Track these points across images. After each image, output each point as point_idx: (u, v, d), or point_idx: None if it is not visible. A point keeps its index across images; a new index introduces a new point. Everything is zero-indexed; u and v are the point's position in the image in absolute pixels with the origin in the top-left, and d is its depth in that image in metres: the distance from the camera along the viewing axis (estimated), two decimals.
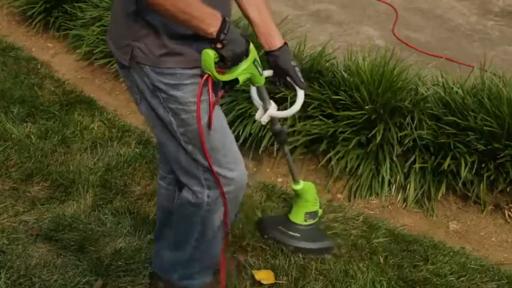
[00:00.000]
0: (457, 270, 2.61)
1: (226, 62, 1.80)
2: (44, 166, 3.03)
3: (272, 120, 2.36)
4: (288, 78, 2.21)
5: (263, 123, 2.32)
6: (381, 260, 2.65)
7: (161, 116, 1.92)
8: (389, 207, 3.11)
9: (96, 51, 4.07)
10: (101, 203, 2.87)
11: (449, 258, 2.70)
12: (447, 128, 3.03)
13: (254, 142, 3.32)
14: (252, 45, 1.89)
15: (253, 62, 1.91)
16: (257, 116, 2.30)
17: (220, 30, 1.76)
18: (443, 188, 3.03)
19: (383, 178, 3.10)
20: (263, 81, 2.04)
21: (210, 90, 1.84)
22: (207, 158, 1.92)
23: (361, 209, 3.08)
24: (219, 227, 2.13)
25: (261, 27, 2.18)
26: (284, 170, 3.30)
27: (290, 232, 2.66)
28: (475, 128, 2.97)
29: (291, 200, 2.85)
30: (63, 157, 3.17)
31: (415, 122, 3.10)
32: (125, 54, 1.87)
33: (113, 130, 3.47)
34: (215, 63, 1.79)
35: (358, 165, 3.14)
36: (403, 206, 3.11)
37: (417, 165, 3.06)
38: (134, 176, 3.09)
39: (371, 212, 3.07)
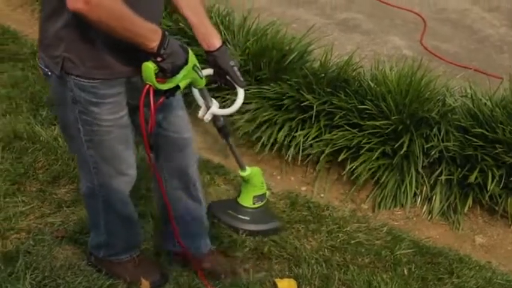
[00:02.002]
0: (483, 285, 2.58)
1: (166, 73, 1.92)
2: (71, 169, 3.05)
3: (215, 117, 2.47)
4: (228, 78, 2.28)
5: (206, 121, 2.42)
6: (405, 272, 2.62)
7: (71, 122, 2.08)
8: (414, 218, 3.08)
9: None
10: None
11: (474, 272, 2.66)
12: (475, 140, 2.99)
13: (279, 150, 3.32)
14: (191, 53, 1.99)
15: (193, 68, 2.00)
16: (200, 114, 2.41)
17: (161, 45, 1.87)
18: (469, 201, 3.00)
19: (408, 189, 3.07)
20: (204, 83, 2.13)
21: (152, 100, 1.94)
22: (155, 171, 2.14)
23: (385, 219, 3.06)
24: (126, 219, 2.32)
25: (199, 28, 2.25)
26: (309, 178, 3.29)
27: (240, 216, 2.77)
28: (503, 141, 2.93)
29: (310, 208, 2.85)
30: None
31: (442, 133, 3.07)
32: (56, 64, 1.96)
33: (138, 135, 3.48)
34: (156, 74, 1.90)
35: (383, 176, 3.12)
36: (428, 218, 3.07)
37: (443, 177, 3.03)
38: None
39: (395, 223, 3.05)
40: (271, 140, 3.29)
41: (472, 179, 2.93)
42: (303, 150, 3.25)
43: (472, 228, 3.04)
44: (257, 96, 3.39)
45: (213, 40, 2.25)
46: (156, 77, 1.91)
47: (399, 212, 3.10)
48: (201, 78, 2.08)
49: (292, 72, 3.44)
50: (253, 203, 2.81)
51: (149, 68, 1.89)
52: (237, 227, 2.76)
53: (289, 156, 3.28)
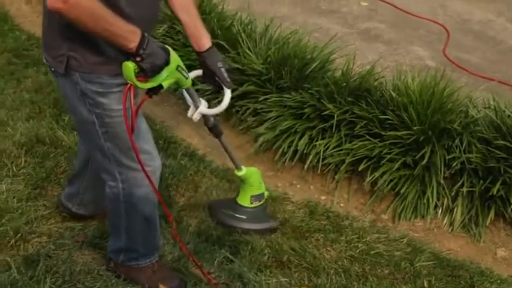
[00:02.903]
0: None
1: (146, 73, 1.97)
2: None
3: (204, 116, 2.51)
4: (216, 78, 2.36)
5: (195, 121, 2.46)
6: (425, 284, 2.60)
7: (85, 117, 2.12)
8: (435, 230, 3.05)
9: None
10: None
11: (496, 286, 2.63)
12: (497, 152, 2.96)
13: (299, 159, 3.31)
14: (174, 53, 2.06)
15: (177, 68, 2.07)
16: (189, 113, 2.46)
17: (140, 46, 1.92)
18: (491, 214, 2.96)
19: (429, 200, 3.05)
20: (189, 83, 2.20)
21: (132, 98, 2.00)
22: (138, 157, 2.06)
23: (405, 230, 3.03)
24: (148, 221, 2.33)
25: (190, 29, 2.34)
26: (328, 187, 3.28)
27: (237, 215, 2.81)
28: None
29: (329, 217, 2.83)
30: None
31: (464, 144, 3.04)
32: (60, 63, 2.03)
33: (160, 141, 3.50)
34: (136, 73, 1.96)
35: (404, 186, 3.09)
36: (449, 230, 3.04)
37: (465, 189, 3.00)
38: (178, 188, 3.12)
39: (415, 235, 3.02)
40: (292, 149, 3.29)
41: (494, 191, 2.90)
42: (323, 160, 3.24)
43: (493, 241, 3.00)
44: (278, 105, 3.39)
45: (203, 41, 2.33)
46: (137, 76, 1.97)
47: (419, 224, 3.07)
48: (186, 78, 2.15)
49: (313, 81, 3.43)
50: (251, 203, 2.85)
51: (129, 67, 1.95)
52: (234, 226, 2.81)
53: (309, 165, 3.27)
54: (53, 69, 2.10)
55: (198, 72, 2.41)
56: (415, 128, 3.06)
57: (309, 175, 3.36)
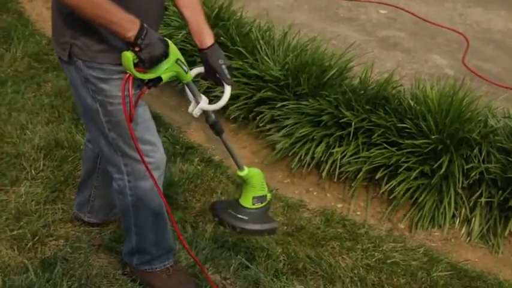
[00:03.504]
0: None
1: (144, 64, 1.99)
2: None
3: (205, 113, 2.50)
4: (217, 75, 2.37)
5: (195, 116, 2.45)
6: None
7: (89, 104, 2.15)
8: (452, 240, 3.03)
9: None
10: None
11: None
12: None
13: (316, 166, 3.31)
14: (173, 47, 2.08)
15: (176, 62, 2.10)
16: (190, 109, 2.46)
17: (138, 36, 1.94)
18: (510, 225, 2.93)
19: (447, 210, 3.02)
20: (189, 78, 2.24)
21: (130, 88, 2.01)
22: (136, 145, 2.08)
23: (422, 240, 3.01)
24: (156, 217, 2.33)
25: (194, 26, 2.34)
26: (345, 195, 3.27)
27: (239, 215, 2.77)
28: None
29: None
30: None
31: (482, 154, 3.01)
32: (64, 50, 2.08)
33: (177, 146, 3.52)
34: (135, 63, 1.98)
35: (421, 196, 3.07)
36: (467, 240, 3.01)
37: (483, 199, 2.97)
38: (195, 193, 3.13)
39: (433, 244, 2.99)
40: (309, 156, 3.28)
41: None
42: (339, 167, 3.23)
43: None
44: (295, 112, 3.39)
45: (205, 39, 2.34)
46: (136, 67, 1.99)
47: (437, 233, 3.05)
48: (186, 72, 2.18)
49: (331, 88, 3.43)
50: (253, 204, 2.80)
51: (127, 57, 1.97)
52: (235, 225, 2.78)
53: (326, 172, 3.26)
54: (59, 56, 2.15)
55: (200, 69, 2.44)
56: (433, 136, 3.04)
57: (326, 183, 3.35)
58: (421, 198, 3.05)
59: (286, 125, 3.38)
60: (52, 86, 4.02)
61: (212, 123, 2.57)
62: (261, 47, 3.71)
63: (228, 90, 2.41)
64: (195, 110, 2.43)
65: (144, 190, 2.26)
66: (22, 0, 5.35)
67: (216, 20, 4.00)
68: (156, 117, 3.78)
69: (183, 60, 2.14)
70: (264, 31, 3.93)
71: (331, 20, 5.02)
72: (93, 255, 2.61)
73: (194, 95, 2.43)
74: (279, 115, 3.45)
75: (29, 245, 2.62)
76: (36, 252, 2.59)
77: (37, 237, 2.65)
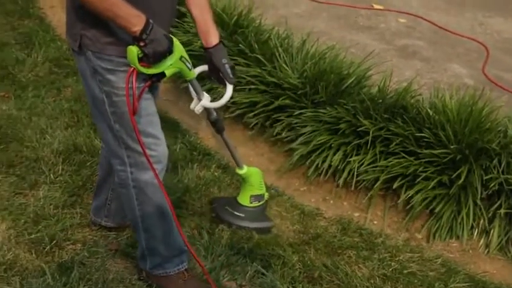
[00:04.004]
0: None
1: (148, 58, 2.05)
2: None
3: (207, 110, 2.58)
4: (220, 74, 2.44)
5: (197, 113, 2.55)
6: None
7: (97, 95, 2.21)
8: (470, 251, 3.00)
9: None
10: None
11: None
12: None
13: (333, 174, 3.30)
14: (178, 44, 2.15)
15: (180, 59, 2.16)
16: (192, 105, 2.53)
17: (143, 31, 2.01)
18: None
19: (465, 221, 2.99)
20: (193, 75, 2.32)
21: (134, 82, 2.08)
22: (138, 137, 2.15)
23: (439, 250, 2.98)
24: (162, 212, 2.34)
25: (201, 26, 2.40)
26: (362, 204, 3.25)
27: (236, 212, 2.90)
28: None
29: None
30: None
31: (502, 165, 2.98)
32: (75, 41, 2.15)
33: (194, 153, 3.53)
34: (140, 58, 2.05)
35: (439, 206, 3.05)
36: (485, 251, 2.98)
37: (502, 211, 2.94)
38: None
39: (450, 255, 2.97)
40: (326, 164, 3.27)
41: None
42: (357, 176, 3.21)
43: None
44: (313, 120, 3.38)
45: (211, 38, 2.40)
46: (140, 61, 2.05)
47: (455, 244, 3.02)
48: (190, 70, 2.24)
49: (349, 96, 3.42)
50: (250, 202, 2.93)
51: (132, 51, 2.04)
52: (231, 222, 2.90)
53: (342, 181, 3.25)
54: (71, 47, 2.21)
55: (204, 67, 2.50)
56: (451, 146, 3.02)
57: (343, 191, 3.33)
58: (438, 209, 3.02)
59: (304, 133, 3.37)
60: (72, 91, 4.06)
61: (213, 120, 2.65)
62: (279, 55, 3.72)
63: (229, 89, 2.48)
64: (197, 107, 2.52)
65: (145, 182, 2.29)
66: (44, 6, 5.42)
67: (235, 27, 4.02)
68: (173, 123, 3.82)
69: (187, 57, 2.21)
70: (283, 39, 3.94)
71: (350, 28, 5.01)
72: (110, 260, 2.62)
73: (197, 92, 2.50)
74: (296, 123, 3.45)
75: (46, 249, 2.63)
76: (53, 256, 2.61)
77: (55, 241, 2.67)
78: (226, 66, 2.42)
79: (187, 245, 2.37)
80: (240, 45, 3.82)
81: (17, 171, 3.17)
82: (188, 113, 4.09)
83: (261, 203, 2.96)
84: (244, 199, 2.95)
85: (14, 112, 3.69)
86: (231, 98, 2.52)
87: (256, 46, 3.80)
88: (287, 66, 3.64)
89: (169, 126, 3.78)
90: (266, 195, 3.00)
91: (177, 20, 4.16)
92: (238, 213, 2.92)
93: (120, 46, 2.09)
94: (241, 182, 2.98)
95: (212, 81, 2.56)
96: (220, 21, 4.05)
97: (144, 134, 2.20)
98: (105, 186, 2.69)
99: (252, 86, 3.66)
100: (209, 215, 2.98)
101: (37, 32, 4.84)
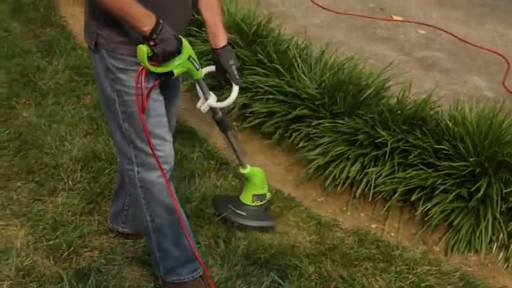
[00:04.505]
0: None
1: (158, 58, 2.12)
2: None
3: (213, 109, 2.65)
4: (227, 75, 2.50)
5: (203, 112, 2.61)
6: None
7: (108, 94, 2.27)
8: (489, 265, 2.96)
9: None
10: (194, 231, 2.92)
11: None
12: None
13: (350, 185, 3.28)
14: (187, 44, 2.21)
15: (188, 59, 2.23)
16: (198, 104, 2.60)
17: (153, 30, 2.07)
18: None
19: (483, 234, 2.96)
20: (200, 75, 2.38)
21: (143, 81, 2.15)
22: (147, 136, 2.22)
23: (457, 264, 2.95)
24: (170, 213, 2.36)
25: (211, 27, 2.47)
26: (379, 216, 3.23)
27: (238, 211, 2.97)
28: None
29: None
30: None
31: None
32: (91, 39, 2.22)
33: (211, 162, 3.54)
34: (150, 57, 2.11)
35: (457, 219, 3.02)
36: (505, 266, 2.94)
37: None
38: None
39: (469, 269, 2.93)
40: (343, 175, 3.26)
41: None
42: (374, 187, 3.20)
43: None
44: (331, 130, 3.38)
45: (219, 40, 2.47)
46: (150, 60, 2.12)
47: (473, 258, 2.99)
48: (197, 70, 2.31)
49: (367, 107, 3.41)
50: (253, 201, 2.99)
51: (142, 50, 2.10)
52: (233, 220, 2.96)
53: (360, 192, 3.23)
54: (88, 45, 2.27)
55: (211, 68, 2.57)
56: (471, 159, 3.00)
57: (360, 202, 3.32)
58: (457, 221, 2.99)
59: (322, 143, 3.37)
60: (91, 98, 4.10)
61: (219, 120, 2.73)
62: (298, 65, 3.72)
63: (235, 90, 2.54)
64: (203, 106, 2.59)
65: (151, 182, 2.33)
66: (65, 14, 5.48)
67: (254, 37, 4.03)
68: (191, 132, 3.84)
69: (195, 57, 2.27)
70: (302, 49, 3.94)
71: (369, 39, 5.00)
72: (127, 268, 2.63)
73: (204, 92, 2.57)
74: (314, 133, 3.44)
75: (64, 255, 2.65)
76: (71, 262, 2.63)
77: (72, 248, 2.69)
78: (233, 67, 2.48)
79: (190, 245, 2.39)
80: (259, 55, 3.83)
81: (36, 177, 3.20)
82: (206, 121, 4.11)
83: (263, 202, 3.03)
84: (246, 198, 3.01)
85: (34, 119, 3.74)
86: (237, 98, 2.59)
87: (275, 56, 3.81)
88: (305, 76, 3.64)
89: (187, 135, 3.80)
90: (268, 195, 3.06)
91: (196, 29, 4.19)
92: (240, 212, 2.98)
93: (132, 46, 2.15)
94: (244, 181, 3.05)
95: (220, 80, 2.63)
96: (239, 30, 4.07)
97: (152, 134, 2.25)
98: (123, 192, 2.71)
99: (271, 96, 3.67)
100: (226, 224, 2.98)
101: (58, 40, 4.90)
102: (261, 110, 3.67)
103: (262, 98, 3.69)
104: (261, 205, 3.02)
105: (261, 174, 3.01)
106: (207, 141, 3.78)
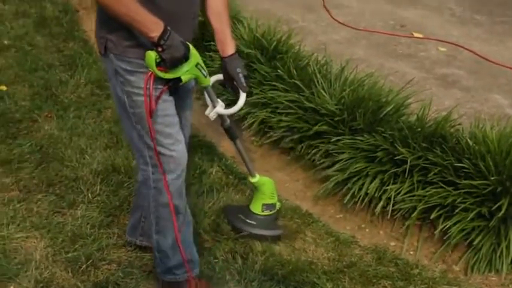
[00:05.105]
0: None
1: (165, 63, 2.17)
2: None
3: (221, 117, 2.70)
4: (234, 82, 2.53)
5: (211, 119, 2.66)
6: None
7: (119, 95, 2.32)
8: (510, 286, 2.92)
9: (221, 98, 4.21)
10: (211, 246, 2.92)
11: None
12: None
13: (369, 202, 3.26)
14: (195, 51, 2.26)
15: (196, 66, 2.28)
16: (206, 111, 2.65)
17: (161, 37, 2.12)
18: None
19: (504, 254, 2.92)
20: (208, 82, 2.43)
21: (151, 85, 2.20)
22: (151, 136, 2.27)
23: (478, 284, 2.91)
24: (176, 204, 2.40)
25: (219, 35, 2.51)
26: (398, 233, 3.20)
27: (247, 220, 3.01)
28: None
29: None
30: None
31: None
32: (101, 44, 2.29)
33: (230, 176, 3.55)
34: (158, 63, 2.17)
35: (478, 238, 2.98)
36: None
37: None
38: None
39: None
40: (362, 192, 3.24)
41: None
42: (393, 205, 3.17)
43: None
44: (350, 147, 3.36)
45: (227, 48, 2.51)
46: (158, 66, 2.17)
47: (494, 278, 2.95)
48: (205, 77, 2.36)
49: (387, 124, 3.40)
50: (262, 211, 3.03)
51: (150, 56, 2.16)
52: (243, 229, 2.99)
53: (379, 209, 3.21)
54: (99, 50, 2.34)
55: (219, 75, 2.61)
56: (492, 178, 2.96)
57: (378, 219, 3.29)
58: (477, 241, 2.96)
59: (340, 160, 3.36)
60: (112, 112, 4.13)
61: (227, 127, 2.79)
62: (317, 81, 3.73)
63: (243, 97, 2.57)
64: (211, 113, 2.63)
65: (163, 183, 2.37)
66: (88, 29, 5.55)
67: (274, 53, 4.04)
68: (209, 146, 3.85)
69: (203, 65, 2.32)
70: (321, 65, 3.95)
71: (389, 56, 4.99)
72: (144, 281, 2.64)
73: (211, 99, 2.61)
74: (333, 149, 3.43)
75: (82, 268, 2.67)
76: (89, 275, 2.64)
77: (91, 261, 2.70)
78: (240, 75, 2.52)
79: (181, 251, 2.45)
80: (279, 70, 3.84)
81: (56, 190, 3.23)
82: (225, 136, 4.12)
83: (272, 212, 3.06)
84: (256, 207, 3.04)
85: (55, 132, 3.78)
86: (244, 105, 2.62)
87: (294, 72, 3.82)
88: (325, 92, 3.64)
89: (206, 149, 3.82)
90: (278, 205, 3.09)
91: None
92: (249, 221, 3.01)
93: (139, 49, 2.21)
94: (253, 190, 3.08)
95: (227, 88, 2.67)
96: (259, 46, 4.09)
97: (163, 134, 2.30)
98: (141, 204, 2.73)
99: (290, 111, 3.67)
100: (243, 239, 2.98)
101: (81, 54, 4.96)
102: (280, 125, 3.67)
103: (282, 113, 3.70)
104: (270, 214, 3.06)
105: (270, 183, 3.05)
106: (225, 156, 3.79)
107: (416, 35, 5.45)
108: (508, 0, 6.49)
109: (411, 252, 3.12)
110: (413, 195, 3.12)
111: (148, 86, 2.20)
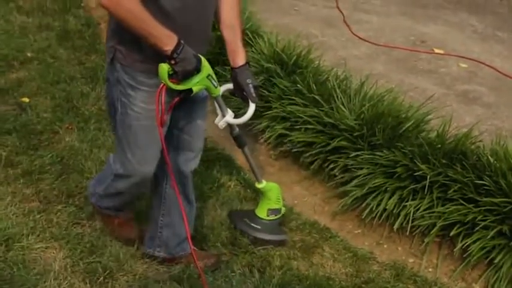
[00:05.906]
0: None
1: (178, 76, 2.23)
2: None
3: (230, 126, 2.76)
4: (244, 93, 2.57)
5: (221, 128, 2.72)
6: None
7: (113, 102, 2.47)
8: None
9: (238, 112, 4.22)
10: (229, 259, 2.91)
11: None
12: None
13: (387, 218, 3.24)
14: (206, 63, 2.33)
15: (207, 77, 2.35)
16: (216, 120, 2.70)
17: (175, 50, 2.18)
18: None
19: None
20: (218, 92, 2.49)
21: (163, 97, 2.28)
22: (162, 146, 2.38)
23: None
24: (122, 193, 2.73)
25: (231, 46, 2.55)
26: (417, 250, 3.17)
27: (253, 224, 3.06)
28: None
29: None
30: (198, 211, 3.27)
31: None
32: (110, 53, 2.38)
33: (248, 190, 3.54)
34: (170, 75, 2.23)
35: (498, 256, 2.94)
36: None
37: None
38: None
39: None
40: (381, 208, 3.22)
41: None
42: (412, 221, 3.15)
43: None
44: (369, 162, 3.35)
45: (238, 59, 2.55)
46: (170, 78, 2.23)
47: None
48: (216, 87, 2.43)
49: (407, 140, 3.38)
50: (267, 215, 3.08)
51: (163, 68, 2.22)
52: (248, 233, 3.05)
53: (397, 225, 3.19)
54: (106, 58, 2.43)
55: (229, 85, 2.65)
56: None
57: (397, 236, 3.27)
58: (498, 259, 2.92)
59: (359, 175, 3.34)
60: None
61: (236, 135, 2.86)
62: (337, 96, 3.73)
63: (252, 108, 2.62)
64: (221, 122, 2.69)
65: (123, 184, 2.65)
66: None
67: (293, 67, 4.06)
68: (227, 160, 3.86)
69: (213, 76, 2.39)
70: (341, 80, 3.95)
71: (410, 72, 4.98)
72: None
73: (221, 109, 2.67)
74: (352, 164, 3.42)
75: (100, 279, 2.68)
76: (106, 286, 2.65)
77: (108, 272, 2.71)
78: (250, 86, 2.55)
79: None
80: (298, 85, 3.85)
81: (76, 201, 3.25)
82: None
83: (277, 216, 3.10)
84: (261, 212, 3.09)
85: (76, 144, 3.81)
86: (253, 115, 2.67)
87: (314, 87, 3.82)
88: (344, 107, 3.63)
89: (225, 162, 3.82)
90: (283, 210, 3.13)
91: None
92: (255, 225, 3.06)
93: (147, 64, 2.29)
94: (260, 196, 3.12)
95: (237, 98, 2.71)
96: (279, 61, 4.11)
97: (134, 145, 2.47)
98: (158, 215, 2.79)
99: (309, 126, 3.67)
100: (260, 253, 2.97)
101: (102, 66, 4.99)
102: (299, 139, 3.67)
103: (301, 128, 3.70)
104: (275, 219, 3.10)
105: (276, 189, 3.10)
106: (243, 170, 3.79)
107: (437, 50, 5.44)
108: None
109: (430, 270, 3.09)
110: (433, 212, 3.09)
111: (160, 101, 2.28)
